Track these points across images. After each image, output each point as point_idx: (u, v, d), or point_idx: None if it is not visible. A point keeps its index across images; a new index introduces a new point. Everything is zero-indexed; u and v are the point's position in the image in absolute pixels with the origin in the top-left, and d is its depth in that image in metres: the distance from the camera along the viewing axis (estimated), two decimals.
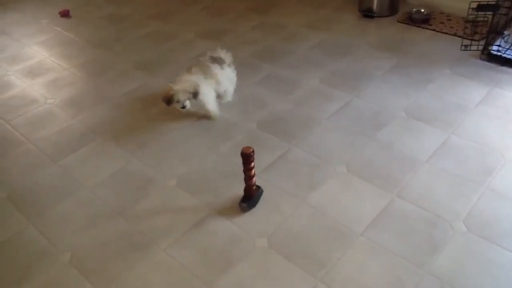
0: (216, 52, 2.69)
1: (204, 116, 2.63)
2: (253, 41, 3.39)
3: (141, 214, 2.07)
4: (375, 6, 3.55)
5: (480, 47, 3.00)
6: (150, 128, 2.59)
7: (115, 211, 2.09)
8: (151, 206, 2.10)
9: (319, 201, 2.07)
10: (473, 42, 3.03)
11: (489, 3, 2.85)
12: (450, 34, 3.28)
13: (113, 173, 2.30)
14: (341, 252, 1.84)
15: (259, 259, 1.84)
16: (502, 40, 2.94)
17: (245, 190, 2.04)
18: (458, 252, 1.80)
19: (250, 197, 2.05)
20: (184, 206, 2.09)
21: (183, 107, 2.49)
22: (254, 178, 2.00)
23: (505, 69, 2.85)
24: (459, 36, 3.19)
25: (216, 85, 2.61)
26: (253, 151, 1.89)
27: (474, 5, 2.90)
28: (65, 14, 3.99)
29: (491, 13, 2.88)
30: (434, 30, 3.35)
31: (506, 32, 2.96)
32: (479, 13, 2.92)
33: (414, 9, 3.51)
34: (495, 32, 2.96)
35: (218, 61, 2.63)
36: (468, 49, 3.05)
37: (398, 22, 3.51)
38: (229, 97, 2.75)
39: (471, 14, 2.94)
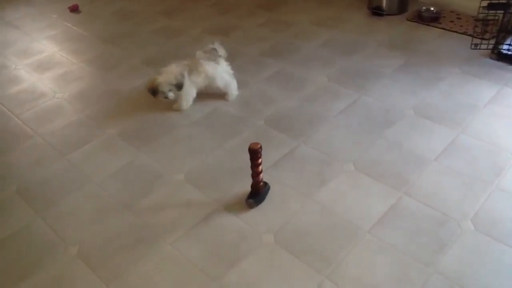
0: (212, 46, 2.70)
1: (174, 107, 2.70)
2: (261, 38, 3.38)
3: (149, 209, 2.08)
4: (384, 4, 3.53)
5: (490, 46, 2.97)
6: (158, 123, 2.60)
7: (123, 205, 2.10)
8: (159, 201, 2.11)
9: (326, 198, 2.06)
10: (483, 41, 3.00)
11: (500, 1, 2.83)
12: (460, 33, 3.26)
13: (121, 168, 2.31)
14: (348, 249, 1.83)
15: (265, 255, 1.84)
16: None
17: (252, 186, 2.05)
18: (466, 251, 1.79)
19: (257, 193, 2.05)
20: (191, 201, 2.10)
21: (166, 97, 2.55)
22: (261, 174, 2.00)
23: None
24: (469, 35, 3.17)
25: (206, 81, 2.65)
26: (260, 147, 1.89)
27: (485, 3, 2.87)
28: (74, 9, 4.00)
29: (501, 11, 2.86)
30: (443, 28, 3.33)
31: None
32: (490, 11, 2.90)
33: (424, 7, 3.49)
34: (505, 31, 2.94)
35: (213, 55, 2.65)
36: (478, 48, 3.03)
37: (408, 20, 3.49)
38: (234, 91, 2.75)
39: (482, 13, 2.92)
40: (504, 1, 2.81)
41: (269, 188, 2.11)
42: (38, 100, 2.86)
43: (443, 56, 3.01)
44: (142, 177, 2.25)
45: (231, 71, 2.75)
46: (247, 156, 1.92)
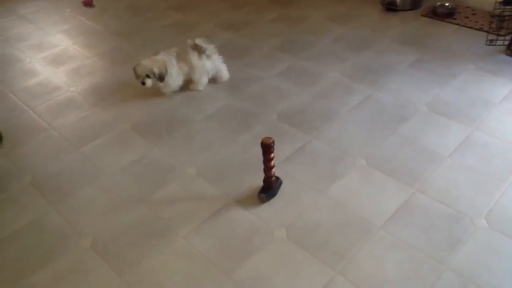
0: (199, 41, 2.74)
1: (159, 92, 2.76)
2: (274, 33, 3.38)
3: (161, 202, 2.09)
4: (398, 0, 3.51)
5: (506, 42, 2.94)
6: (171, 117, 2.61)
7: (136, 198, 2.12)
8: (171, 194, 2.12)
9: (339, 194, 2.06)
10: (499, 37, 2.97)
11: None
12: (475, 29, 3.22)
13: (134, 161, 2.32)
14: (360, 245, 1.83)
15: (277, 249, 1.84)
16: None
17: (264, 181, 2.05)
18: (479, 248, 1.78)
19: (269, 188, 2.05)
20: (203, 195, 2.10)
21: (143, 83, 2.61)
22: (273, 169, 2.00)
23: None
24: (485, 31, 3.13)
25: (189, 70, 2.72)
26: (273, 142, 1.89)
27: None
28: (88, 3, 4.03)
29: None
30: (458, 24, 3.30)
31: None
32: (506, 7, 2.86)
33: (439, 3, 3.46)
34: None
35: (199, 50, 2.70)
36: (493, 44, 2.99)
37: (422, 16, 3.46)
38: (200, 86, 2.81)
39: (498, 8, 2.89)
40: None
41: (281, 183, 2.11)
42: (52, 94, 2.88)
43: (458, 52, 2.98)
44: (154, 170, 2.26)
45: (214, 67, 2.80)
46: (259, 151, 1.92)
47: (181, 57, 2.70)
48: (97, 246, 1.91)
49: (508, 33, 2.98)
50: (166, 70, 2.63)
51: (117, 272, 1.80)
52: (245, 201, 2.06)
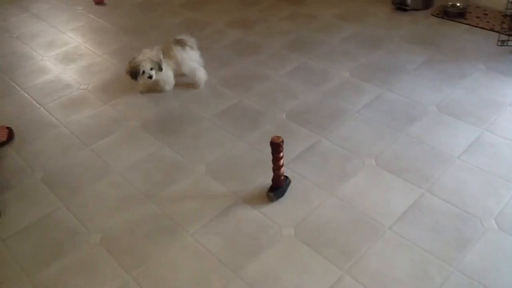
0: (181, 36, 2.79)
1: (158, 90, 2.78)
2: (284, 32, 3.38)
3: (170, 199, 2.10)
4: None
5: None
6: (180, 115, 2.62)
7: (145, 194, 2.13)
8: (180, 192, 2.13)
9: (348, 193, 2.06)
10: (510, 38, 2.95)
11: None
12: (486, 29, 3.20)
13: (144, 158, 2.33)
14: (369, 245, 1.83)
15: (285, 248, 1.84)
16: None
17: (273, 180, 2.05)
18: (488, 250, 1.77)
19: (278, 186, 2.05)
20: (212, 193, 2.11)
21: (150, 76, 2.60)
22: (282, 168, 2.00)
23: None
24: (496, 31, 3.11)
25: (176, 66, 2.75)
26: (282, 141, 1.89)
27: None
28: (99, 1, 4.05)
29: None
30: (469, 24, 3.28)
31: None
32: None
33: (450, 3, 3.43)
34: None
35: (181, 43, 2.75)
36: (505, 44, 2.97)
37: (432, 15, 3.44)
38: (201, 78, 2.82)
39: (510, 8, 2.87)
40: None
41: (289, 182, 2.11)
42: (63, 91, 2.90)
43: (469, 53, 2.96)
44: (164, 168, 2.27)
45: (200, 60, 2.85)
46: (268, 150, 1.93)
47: (166, 53, 2.71)
48: (107, 242, 1.92)
49: None
50: (161, 58, 2.66)
51: (125, 268, 1.81)
52: (253, 200, 2.06)
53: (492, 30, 3.17)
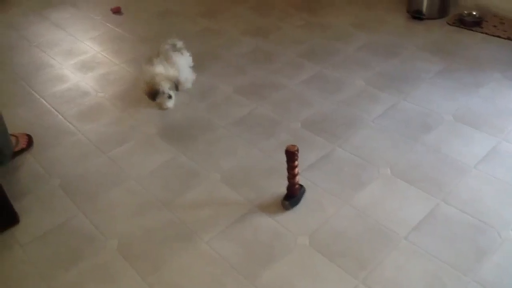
0: (172, 40, 2.81)
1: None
2: (299, 40, 3.39)
3: (185, 206, 2.12)
4: (424, 8, 3.48)
5: None
6: (196, 123, 2.64)
7: (161, 202, 2.15)
8: (195, 199, 2.15)
9: (363, 203, 2.05)
10: None
11: None
12: (503, 38, 3.18)
13: (160, 166, 2.36)
14: (384, 254, 1.82)
15: (300, 257, 1.85)
16: None
17: (288, 188, 2.06)
18: (506, 260, 1.75)
19: (293, 195, 2.06)
20: (227, 201, 2.13)
21: (170, 96, 2.55)
22: (297, 177, 2.01)
23: None
24: None
25: (177, 72, 2.70)
26: (297, 150, 1.90)
27: None
28: (116, 11, 4.11)
29: None
30: (486, 33, 3.26)
31: None
32: None
33: (465, 12, 3.42)
34: None
35: (178, 49, 2.76)
36: None
37: (448, 24, 3.43)
38: (189, 84, 2.86)
39: None
40: None
41: (304, 190, 2.11)
42: (81, 99, 2.95)
43: (485, 62, 2.94)
44: (179, 175, 2.29)
45: (192, 64, 2.90)
46: (283, 158, 1.94)
47: (167, 62, 2.67)
48: (123, 248, 1.95)
49: None
50: (178, 79, 2.65)
51: (141, 274, 1.83)
52: (268, 208, 2.07)
53: (508, 39, 3.15)
